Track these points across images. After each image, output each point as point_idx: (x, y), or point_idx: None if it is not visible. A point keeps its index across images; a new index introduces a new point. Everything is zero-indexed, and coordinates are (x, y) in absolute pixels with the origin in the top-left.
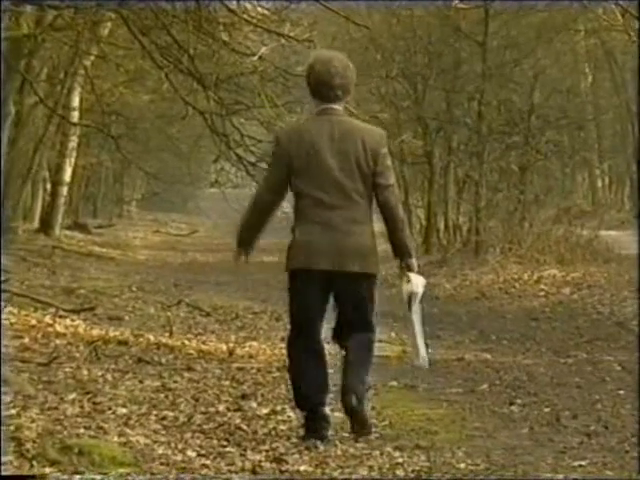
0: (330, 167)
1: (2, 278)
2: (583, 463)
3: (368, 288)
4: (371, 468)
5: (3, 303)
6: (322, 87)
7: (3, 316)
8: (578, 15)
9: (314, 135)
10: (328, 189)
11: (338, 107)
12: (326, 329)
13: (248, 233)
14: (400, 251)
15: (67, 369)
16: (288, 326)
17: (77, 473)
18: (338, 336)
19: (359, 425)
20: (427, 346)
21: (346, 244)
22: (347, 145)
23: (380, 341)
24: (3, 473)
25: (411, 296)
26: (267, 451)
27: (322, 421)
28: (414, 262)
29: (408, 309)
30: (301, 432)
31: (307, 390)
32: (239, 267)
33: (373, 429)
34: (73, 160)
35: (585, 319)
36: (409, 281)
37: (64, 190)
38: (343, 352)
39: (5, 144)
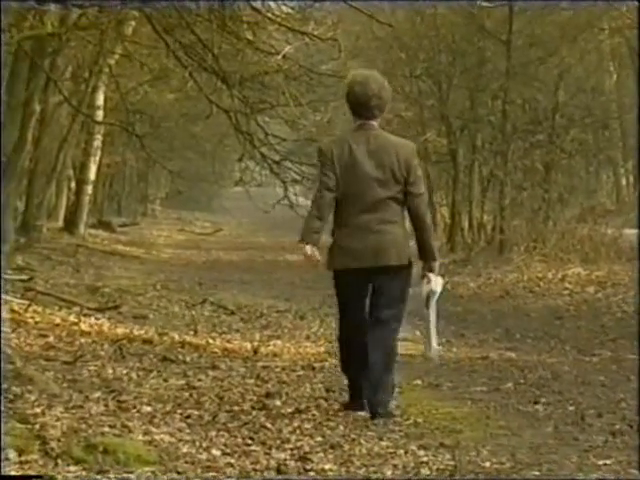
0: (367, 176)
1: (23, 277)
2: (608, 462)
3: (402, 279)
4: (395, 467)
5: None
6: (360, 107)
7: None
8: (602, 13)
9: (353, 148)
10: (365, 196)
11: (374, 123)
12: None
13: (314, 230)
14: (425, 254)
15: (92, 367)
16: (337, 317)
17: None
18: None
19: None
20: (430, 343)
21: (381, 242)
22: (383, 157)
23: (405, 339)
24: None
25: (429, 294)
26: (292, 449)
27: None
28: (436, 265)
29: (425, 306)
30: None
31: (354, 372)
32: (316, 266)
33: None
34: (97, 159)
35: (609, 317)
36: (429, 281)
37: (89, 189)
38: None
39: (30, 142)
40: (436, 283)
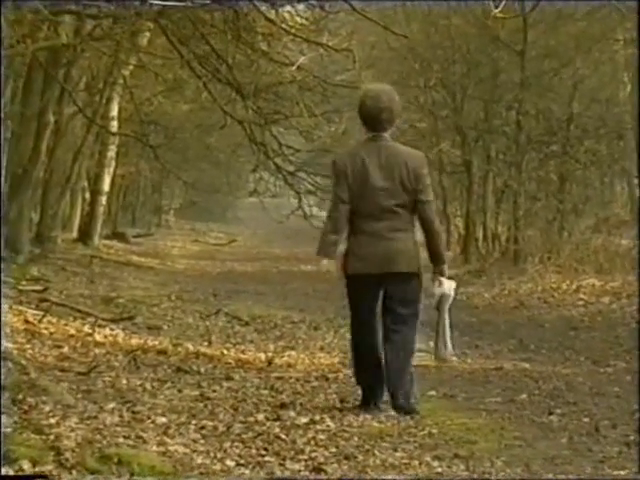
0: (378, 186)
1: (38, 287)
2: (622, 473)
3: (413, 285)
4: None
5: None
6: (372, 120)
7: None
8: (617, 24)
9: (365, 159)
10: (376, 204)
11: (385, 134)
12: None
13: (331, 243)
14: (435, 258)
15: (106, 378)
16: (349, 320)
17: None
18: (382, 320)
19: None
20: (445, 344)
21: (391, 249)
22: (393, 167)
23: (420, 350)
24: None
25: (442, 297)
26: (306, 460)
27: (375, 398)
28: (446, 268)
29: (436, 308)
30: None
31: (366, 375)
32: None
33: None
34: (112, 169)
35: (624, 328)
36: (441, 284)
37: (103, 199)
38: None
39: (44, 153)
40: (449, 287)
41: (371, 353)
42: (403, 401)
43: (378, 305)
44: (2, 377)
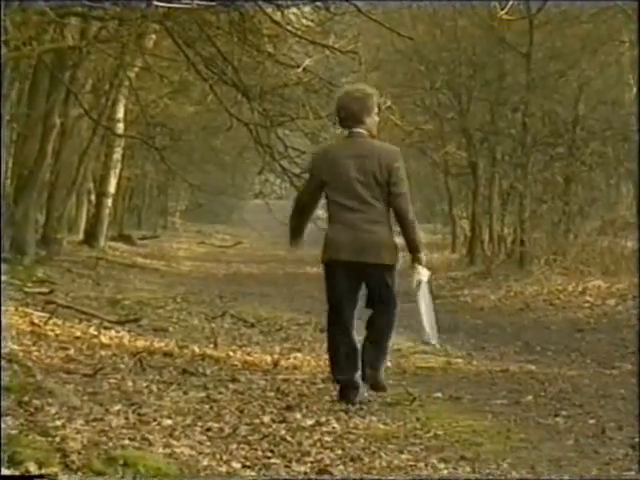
0: (352, 179)
1: (44, 290)
2: (628, 475)
3: (385, 275)
4: None
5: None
6: (345, 117)
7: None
8: (622, 26)
9: (339, 155)
10: (351, 197)
11: (360, 130)
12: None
13: (294, 225)
14: (410, 247)
15: (112, 380)
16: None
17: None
18: (368, 305)
19: (377, 389)
20: (432, 328)
21: (365, 240)
22: (365, 162)
23: (425, 352)
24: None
25: (419, 283)
26: (312, 462)
27: (353, 389)
28: (422, 256)
29: (416, 294)
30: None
31: (341, 365)
32: (293, 253)
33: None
34: (118, 172)
35: (630, 330)
36: (418, 272)
37: (109, 202)
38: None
39: (50, 155)
40: (423, 273)
41: (345, 339)
42: (372, 373)
43: (355, 297)
44: (6, 379)
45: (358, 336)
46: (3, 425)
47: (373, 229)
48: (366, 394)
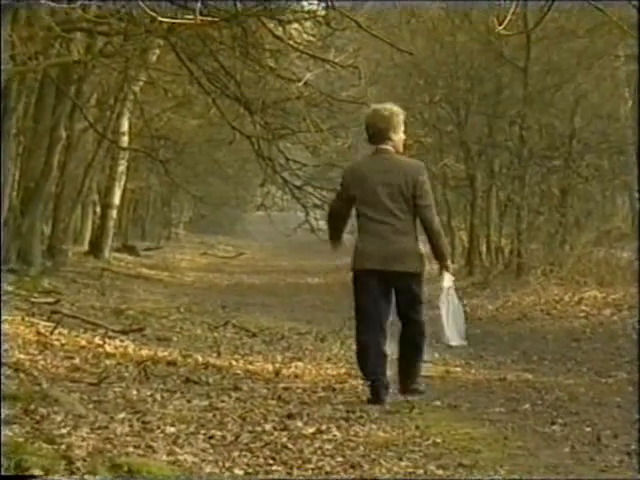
0: (380, 193)
1: (50, 300)
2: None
3: (413, 283)
4: None
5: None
6: (373, 135)
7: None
8: (618, 41)
9: (368, 170)
10: (379, 210)
11: (387, 147)
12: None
13: (332, 231)
14: (437, 255)
15: (117, 389)
16: (353, 312)
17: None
18: (399, 315)
19: (414, 394)
20: (459, 331)
21: (393, 250)
22: (392, 176)
23: (425, 362)
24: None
25: (446, 289)
26: (313, 469)
27: (383, 389)
28: (448, 263)
29: (440, 298)
30: (365, 398)
31: (371, 366)
32: (337, 252)
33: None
34: (122, 184)
35: (625, 340)
36: (444, 278)
37: (113, 213)
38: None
39: (56, 167)
40: (448, 279)
41: (374, 345)
42: (410, 384)
43: (383, 303)
44: (13, 387)
45: (389, 340)
46: (3, 429)
47: (400, 239)
48: (399, 397)
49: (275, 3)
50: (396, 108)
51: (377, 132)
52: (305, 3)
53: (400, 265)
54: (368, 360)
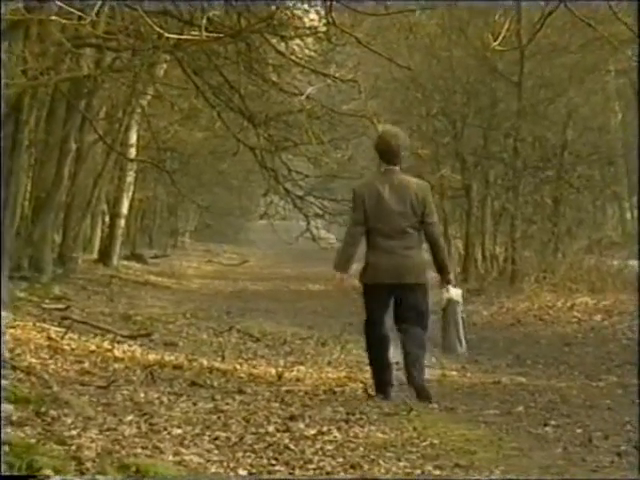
0: (391, 210)
1: (60, 306)
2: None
3: (420, 293)
4: None
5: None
6: (388, 155)
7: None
8: (609, 56)
9: (380, 187)
10: (390, 225)
11: (397, 168)
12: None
13: (347, 257)
14: (441, 269)
15: (125, 392)
16: (364, 318)
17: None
18: (397, 324)
19: (423, 396)
20: (460, 341)
21: (402, 263)
22: (404, 194)
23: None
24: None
25: (449, 301)
26: (314, 470)
27: (390, 386)
28: (452, 277)
29: (443, 310)
30: (371, 392)
31: (379, 367)
32: (343, 291)
33: (433, 398)
34: (130, 194)
35: (615, 344)
36: (448, 291)
37: (122, 222)
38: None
39: (66, 178)
40: (455, 293)
41: (381, 345)
42: (418, 379)
43: (388, 311)
44: (25, 390)
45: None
46: (12, 430)
47: (409, 253)
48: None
49: (277, 19)
50: (401, 131)
51: (390, 151)
52: (306, 20)
53: (409, 277)
54: (377, 360)
